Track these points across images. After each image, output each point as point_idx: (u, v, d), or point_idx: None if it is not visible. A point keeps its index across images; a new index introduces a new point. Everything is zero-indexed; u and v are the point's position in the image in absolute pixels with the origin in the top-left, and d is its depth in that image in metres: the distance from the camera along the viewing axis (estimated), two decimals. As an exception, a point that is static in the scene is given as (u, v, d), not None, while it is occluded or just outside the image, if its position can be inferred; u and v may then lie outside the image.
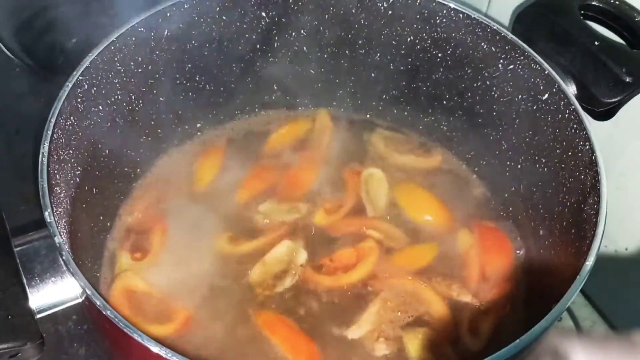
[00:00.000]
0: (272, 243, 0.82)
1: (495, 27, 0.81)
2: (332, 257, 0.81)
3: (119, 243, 0.82)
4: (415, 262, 0.82)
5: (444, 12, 0.84)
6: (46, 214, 0.61)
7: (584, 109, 0.75)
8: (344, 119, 0.98)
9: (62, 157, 0.69)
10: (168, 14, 0.81)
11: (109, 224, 0.83)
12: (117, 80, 0.79)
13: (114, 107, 0.80)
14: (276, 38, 0.91)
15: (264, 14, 0.88)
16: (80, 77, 0.72)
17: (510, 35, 0.80)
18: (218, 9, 0.84)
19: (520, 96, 0.81)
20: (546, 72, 0.77)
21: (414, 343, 0.74)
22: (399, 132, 0.97)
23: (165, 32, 0.82)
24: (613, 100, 0.75)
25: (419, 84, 0.92)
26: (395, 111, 0.97)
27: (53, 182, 0.65)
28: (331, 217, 0.85)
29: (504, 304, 0.78)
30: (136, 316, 0.74)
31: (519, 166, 0.85)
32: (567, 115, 0.75)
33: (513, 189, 0.87)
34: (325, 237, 0.84)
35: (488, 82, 0.85)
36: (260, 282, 0.78)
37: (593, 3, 0.80)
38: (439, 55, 0.88)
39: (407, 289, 0.79)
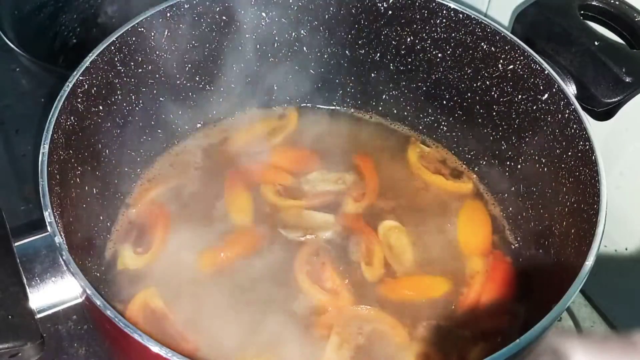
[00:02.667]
0: (313, 206, 0.86)
1: (495, 27, 0.81)
2: (325, 265, 0.80)
3: (121, 241, 0.82)
4: (422, 292, 0.80)
5: (444, 12, 0.84)
6: (46, 214, 0.61)
7: (584, 109, 0.75)
8: (344, 118, 0.99)
9: (62, 157, 0.69)
10: (168, 14, 0.81)
11: (109, 224, 0.83)
12: (117, 80, 0.79)
13: (114, 107, 0.80)
14: (276, 38, 0.91)
15: (264, 14, 0.88)
16: (80, 77, 0.72)
17: (510, 35, 0.80)
18: (218, 9, 0.85)
19: (520, 96, 0.81)
20: (546, 72, 0.77)
21: None
22: (438, 150, 0.95)
23: (165, 32, 0.82)
24: (613, 100, 0.75)
25: (419, 84, 0.92)
26: (395, 111, 0.97)
27: (53, 182, 0.65)
28: (361, 204, 0.86)
29: (496, 336, 0.77)
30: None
31: (519, 166, 0.85)
32: (567, 115, 0.75)
33: (513, 189, 0.87)
34: (338, 240, 0.84)
35: (488, 82, 0.85)
36: (285, 220, 0.84)
37: (593, 3, 0.80)
38: (439, 55, 0.88)
39: (361, 316, 0.77)
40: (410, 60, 0.91)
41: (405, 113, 0.97)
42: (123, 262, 0.80)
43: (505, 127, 0.86)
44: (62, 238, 0.60)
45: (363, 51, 0.92)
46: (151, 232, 0.83)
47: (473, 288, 0.80)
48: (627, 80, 0.75)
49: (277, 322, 0.75)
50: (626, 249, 0.92)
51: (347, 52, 0.93)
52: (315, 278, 0.79)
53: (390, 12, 0.87)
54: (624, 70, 0.75)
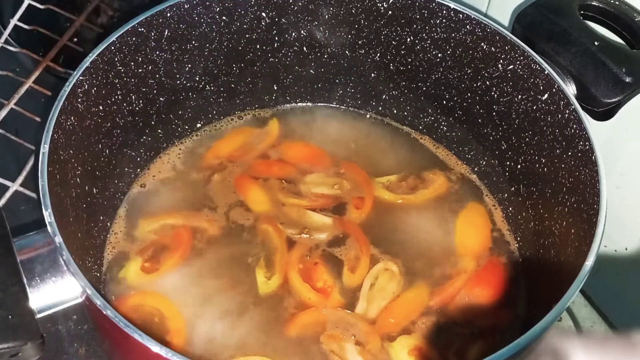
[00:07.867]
0: (314, 207, 0.87)
1: (495, 27, 0.81)
2: (319, 264, 0.81)
3: (121, 244, 0.82)
4: (408, 315, 0.78)
5: (444, 12, 0.84)
6: (46, 214, 0.61)
7: (584, 109, 0.75)
8: (344, 118, 0.99)
9: (62, 157, 0.69)
10: (168, 14, 0.81)
11: (109, 224, 0.83)
12: (117, 80, 0.79)
13: (114, 107, 0.80)
14: (276, 38, 0.91)
15: (264, 14, 0.88)
16: (80, 77, 0.72)
17: (510, 36, 0.80)
18: (218, 9, 0.84)
19: (520, 96, 0.82)
20: (546, 72, 0.77)
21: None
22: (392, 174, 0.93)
23: (165, 32, 0.82)
24: (613, 100, 0.75)
25: (419, 84, 0.92)
26: (395, 111, 0.97)
27: (53, 182, 0.65)
28: (361, 211, 0.86)
29: (494, 334, 0.77)
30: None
31: (519, 166, 0.85)
32: (567, 115, 0.75)
33: (513, 189, 0.87)
34: (332, 243, 0.84)
35: (488, 82, 0.85)
36: (287, 216, 0.85)
37: (593, 3, 0.80)
38: (439, 55, 0.88)
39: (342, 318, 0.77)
40: (410, 60, 0.91)
41: (405, 113, 0.97)
42: (125, 273, 0.79)
43: (505, 127, 0.86)
44: (62, 238, 0.60)
45: (363, 51, 0.92)
46: (165, 253, 0.81)
47: (454, 284, 0.80)
48: (627, 80, 0.75)
49: (267, 320, 0.77)
50: (626, 249, 0.92)
51: (347, 52, 0.93)
52: (306, 277, 0.80)
53: (390, 12, 0.87)
54: (624, 70, 0.75)
